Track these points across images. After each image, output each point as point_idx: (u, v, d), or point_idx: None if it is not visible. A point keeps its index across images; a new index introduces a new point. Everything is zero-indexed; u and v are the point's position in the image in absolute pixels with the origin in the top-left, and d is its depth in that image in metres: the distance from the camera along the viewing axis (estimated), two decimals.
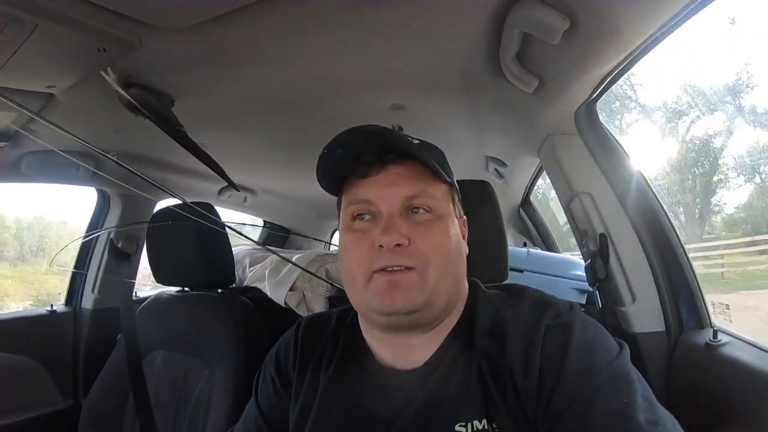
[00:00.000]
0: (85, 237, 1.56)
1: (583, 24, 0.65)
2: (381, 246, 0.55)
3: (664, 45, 0.69)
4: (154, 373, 1.14)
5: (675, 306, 0.91)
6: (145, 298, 1.31)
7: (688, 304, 0.90)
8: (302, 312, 1.30)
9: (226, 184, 1.44)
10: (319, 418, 0.61)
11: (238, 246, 1.76)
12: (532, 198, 2.19)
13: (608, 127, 0.96)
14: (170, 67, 0.88)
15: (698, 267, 0.95)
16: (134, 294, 1.61)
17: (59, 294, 1.64)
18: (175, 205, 1.15)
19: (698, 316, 0.89)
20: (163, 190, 1.08)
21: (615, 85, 0.83)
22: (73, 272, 1.59)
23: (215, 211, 1.19)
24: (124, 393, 1.13)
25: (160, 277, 1.23)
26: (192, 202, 1.12)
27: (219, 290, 1.23)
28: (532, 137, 1.11)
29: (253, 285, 1.46)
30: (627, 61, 0.73)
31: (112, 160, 1.04)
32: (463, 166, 1.59)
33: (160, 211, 1.25)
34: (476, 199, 0.83)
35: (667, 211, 0.95)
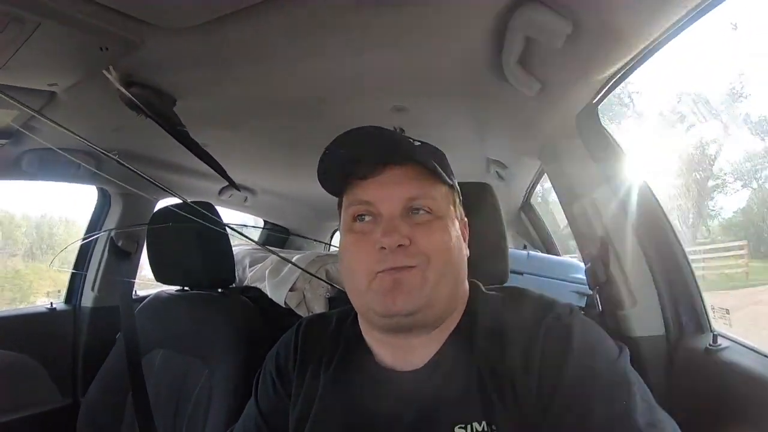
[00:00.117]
0: (85, 238, 1.56)
1: (586, 28, 0.65)
2: (383, 248, 0.55)
3: (666, 49, 0.69)
4: (154, 372, 1.13)
5: (675, 310, 0.91)
6: (144, 297, 1.31)
7: (688, 308, 0.90)
8: (302, 312, 1.30)
9: (226, 183, 1.44)
10: (318, 418, 0.61)
11: (239, 246, 1.76)
12: (532, 200, 2.19)
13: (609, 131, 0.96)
14: (172, 67, 0.88)
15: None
16: (134, 293, 1.61)
17: None
18: (176, 205, 1.15)
19: (698, 321, 0.89)
20: (163, 190, 1.08)
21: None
22: (73, 271, 1.59)
23: (216, 211, 1.19)
24: (123, 392, 1.13)
25: (160, 276, 1.23)
26: (192, 202, 1.12)
27: (219, 290, 1.22)
28: (533, 140, 1.11)
29: (253, 285, 1.47)
30: (629, 65, 0.73)
31: (113, 159, 1.04)
32: (464, 168, 1.59)
33: (160, 210, 1.25)
34: (477, 200, 0.83)
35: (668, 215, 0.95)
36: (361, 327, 0.65)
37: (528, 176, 1.74)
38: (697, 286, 0.91)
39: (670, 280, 0.92)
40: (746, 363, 0.72)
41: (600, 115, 0.94)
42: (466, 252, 0.63)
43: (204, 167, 1.11)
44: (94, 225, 1.60)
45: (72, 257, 1.60)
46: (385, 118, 1.14)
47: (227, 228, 1.20)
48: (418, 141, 0.62)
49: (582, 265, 1.08)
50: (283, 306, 1.32)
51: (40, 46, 0.74)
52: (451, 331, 0.61)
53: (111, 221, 1.58)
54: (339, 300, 1.28)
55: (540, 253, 1.97)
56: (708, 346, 0.80)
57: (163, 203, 1.47)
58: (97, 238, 1.56)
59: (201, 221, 1.08)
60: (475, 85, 0.97)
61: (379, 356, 0.62)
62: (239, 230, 1.30)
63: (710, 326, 0.89)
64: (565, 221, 1.15)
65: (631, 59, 0.71)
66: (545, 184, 1.96)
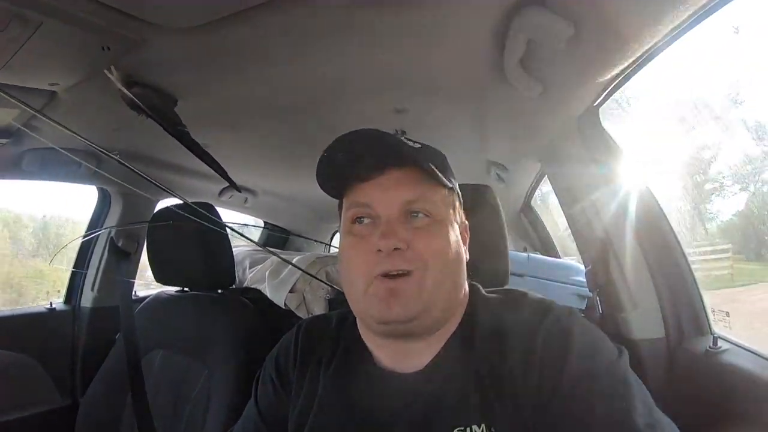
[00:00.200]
0: (85, 236, 1.56)
1: (588, 31, 0.65)
2: (380, 250, 0.55)
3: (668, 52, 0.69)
4: (153, 372, 1.13)
5: (675, 312, 0.91)
6: (144, 297, 1.31)
7: (688, 311, 0.90)
8: (302, 314, 1.30)
9: (227, 184, 1.44)
10: (318, 420, 0.61)
11: (239, 247, 1.76)
12: (532, 203, 2.19)
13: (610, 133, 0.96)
14: (174, 67, 0.88)
15: None
16: (134, 293, 1.61)
17: None
18: (176, 205, 1.15)
19: (698, 323, 0.89)
20: (164, 190, 1.08)
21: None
22: (73, 270, 1.58)
23: (216, 212, 1.19)
24: (123, 392, 1.13)
25: (160, 276, 1.23)
26: (193, 202, 1.12)
27: (219, 291, 1.22)
28: (534, 142, 1.11)
29: (253, 286, 1.46)
30: (631, 68, 0.73)
31: (114, 158, 1.04)
32: (465, 170, 1.58)
33: (160, 210, 1.25)
34: (477, 203, 0.83)
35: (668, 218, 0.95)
36: (360, 329, 0.65)
37: (528, 178, 1.74)
38: (698, 289, 0.91)
39: (670, 283, 0.92)
40: (746, 365, 0.72)
41: (601, 118, 0.94)
42: (465, 255, 0.63)
43: (204, 168, 1.11)
44: (94, 225, 1.59)
45: (72, 257, 1.60)
46: (386, 119, 1.14)
47: (227, 229, 1.20)
48: (419, 143, 0.62)
49: (582, 267, 1.08)
50: (283, 307, 1.32)
51: (42, 45, 0.74)
52: (450, 334, 0.60)
53: (111, 221, 1.57)
54: (339, 301, 1.28)
55: (540, 256, 1.97)
56: (708, 348, 0.80)
57: (163, 204, 1.47)
58: (97, 239, 1.56)
59: (201, 222, 1.08)
60: (477, 86, 0.97)
61: (379, 358, 0.62)
62: (239, 231, 1.30)
63: (710, 329, 0.89)
64: (565, 223, 1.15)
65: (633, 62, 0.71)
66: (544, 187, 1.96)
